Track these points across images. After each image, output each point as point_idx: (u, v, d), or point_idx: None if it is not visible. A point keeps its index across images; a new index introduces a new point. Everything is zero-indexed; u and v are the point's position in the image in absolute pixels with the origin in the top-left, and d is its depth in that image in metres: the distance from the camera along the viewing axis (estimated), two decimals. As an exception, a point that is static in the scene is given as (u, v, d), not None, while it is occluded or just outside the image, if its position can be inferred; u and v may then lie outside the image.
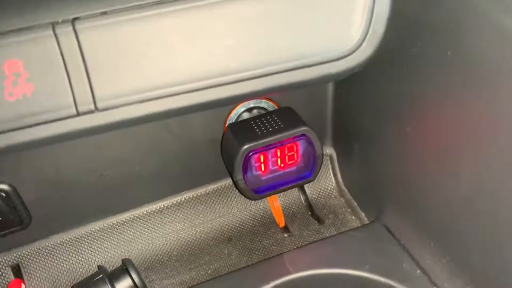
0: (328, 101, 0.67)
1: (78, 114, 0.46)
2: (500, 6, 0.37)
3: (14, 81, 0.43)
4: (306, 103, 0.66)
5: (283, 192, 0.71)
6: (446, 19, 0.42)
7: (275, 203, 0.69)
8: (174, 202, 0.69)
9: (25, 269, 0.63)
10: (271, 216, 0.70)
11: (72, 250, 0.65)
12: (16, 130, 0.45)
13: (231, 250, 0.67)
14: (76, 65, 0.44)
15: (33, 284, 0.63)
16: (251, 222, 0.70)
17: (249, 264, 0.64)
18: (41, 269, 0.64)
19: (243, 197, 0.69)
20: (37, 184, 0.58)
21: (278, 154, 0.59)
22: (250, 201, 0.71)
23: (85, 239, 0.66)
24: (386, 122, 0.56)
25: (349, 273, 0.52)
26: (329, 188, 0.73)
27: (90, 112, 0.46)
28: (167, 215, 0.68)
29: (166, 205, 0.68)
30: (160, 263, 0.66)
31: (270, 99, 0.64)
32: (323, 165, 0.72)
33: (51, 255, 0.64)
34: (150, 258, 0.67)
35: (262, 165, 0.59)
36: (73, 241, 0.65)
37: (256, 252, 0.66)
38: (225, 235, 0.69)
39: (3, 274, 0.63)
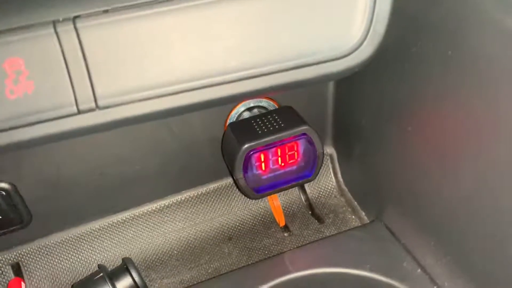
0: (329, 100, 0.67)
1: (79, 112, 0.46)
2: (501, 5, 0.37)
3: (15, 79, 0.43)
4: (307, 102, 0.66)
5: (283, 191, 0.71)
6: (447, 18, 0.42)
7: (276, 202, 0.69)
8: (175, 201, 0.69)
9: (25, 268, 0.63)
10: (272, 215, 0.70)
11: (72, 249, 0.65)
12: (16, 128, 0.45)
13: (232, 249, 0.67)
14: (77, 63, 0.44)
15: (33, 283, 0.63)
16: (252, 221, 0.70)
17: (250, 263, 0.64)
18: (41, 267, 0.64)
19: (243, 196, 0.69)
20: (38, 183, 0.58)
21: (279, 153, 0.59)
22: (251, 200, 0.71)
23: (86, 238, 0.66)
24: (386, 122, 0.56)
25: (349, 273, 0.52)
26: (329, 188, 0.73)
27: (91, 110, 0.46)
28: (168, 214, 0.69)
29: (166, 204, 0.68)
30: (161, 262, 0.66)
31: (270, 98, 0.64)
32: (323, 165, 0.72)
33: (52, 254, 0.64)
34: (151, 257, 0.67)
35: (263, 164, 0.59)
36: (74, 239, 0.65)
37: (256, 251, 0.66)
38: (226, 234, 0.69)
39: (3, 273, 0.63)
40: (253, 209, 0.71)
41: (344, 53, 0.50)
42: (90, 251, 0.66)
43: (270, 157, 0.59)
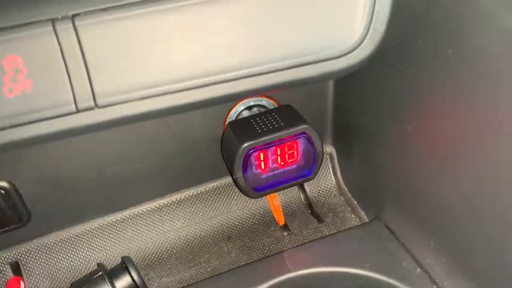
0: (329, 99, 0.67)
1: (78, 111, 0.45)
2: (501, 4, 0.37)
3: (13, 77, 0.43)
4: (307, 101, 0.65)
5: (283, 190, 0.70)
6: (447, 17, 0.42)
7: (275, 201, 0.69)
8: (174, 200, 0.69)
9: (24, 267, 0.63)
10: (271, 215, 0.70)
11: (71, 248, 0.65)
12: (15, 127, 0.44)
13: (231, 248, 0.67)
14: (76, 62, 0.44)
15: (32, 282, 0.63)
16: (251, 220, 0.70)
17: (249, 262, 0.64)
18: (40, 266, 0.64)
19: (243, 195, 0.69)
20: (37, 181, 0.57)
21: (278, 152, 0.59)
22: (250, 199, 0.71)
23: (85, 237, 0.65)
24: (386, 121, 0.56)
25: (349, 272, 0.52)
26: (329, 187, 0.73)
27: (90, 109, 0.46)
28: (167, 213, 0.68)
29: (165, 203, 0.68)
30: (160, 261, 0.66)
31: (270, 97, 0.64)
32: (323, 164, 0.72)
33: (51, 253, 0.64)
34: (150, 256, 0.67)
35: (262, 163, 0.59)
36: (73, 238, 0.65)
37: (256, 250, 0.66)
38: (225, 233, 0.69)
39: (2, 272, 0.63)
40: (252, 208, 0.71)
41: (344, 52, 0.50)
42: (89, 249, 0.66)
43: (270, 156, 0.59)
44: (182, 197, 0.69)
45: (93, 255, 0.66)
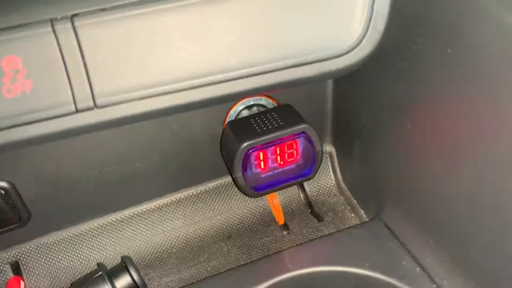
0: (328, 99, 0.67)
1: (77, 111, 0.45)
2: (500, 2, 0.37)
3: (12, 77, 0.43)
4: (306, 100, 0.65)
5: (282, 190, 0.70)
6: (446, 15, 0.42)
7: (275, 201, 0.69)
8: (174, 200, 0.69)
9: (24, 266, 0.63)
10: (271, 214, 0.70)
11: (71, 247, 0.65)
12: (14, 127, 0.44)
13: (231, 248, 0.67)
14: (75, 62, 0.44)
15: (32, 281, 0.63)
16: (251, 219, 0.70)
17: (249, 261, 0.64)
18: (40, 266, 0.64)
19: (242, 194, 0.69)
20: (36, 181, 0.57)
21: (278, 152, 0.59)
22: (250, 199, 0.71)
23: (85, 237, 0.65)
24: (386, 119, 0.56)
25: (348, 271, 0.52)
26: (328, 186, 0.73)
27: (89, 109, 0.46)
28: (167, 213, 0.68)
29: (165, 202, 0.68)
30: (160, 260, 0.66)
31: (269, 97, 0.64)
32: (322, 163, 0.72)
33: (50, 252, 0.64)
34: (150, 256, 0.67)
35: (262, 162, 0.59)
36: (73, 238, 0.65)
37: (256, 250, 0.66)
38: (225, 233, 0.69)
39: (2, 271, 0.63)
40: (252, 207, 0.71)
41: (343, 51, 0.50)
42: (89, 249, 0.66)
43: (269, 155, 0.59)
44: (182, 197, 0.69)
45: (93, 255, 0.66)
